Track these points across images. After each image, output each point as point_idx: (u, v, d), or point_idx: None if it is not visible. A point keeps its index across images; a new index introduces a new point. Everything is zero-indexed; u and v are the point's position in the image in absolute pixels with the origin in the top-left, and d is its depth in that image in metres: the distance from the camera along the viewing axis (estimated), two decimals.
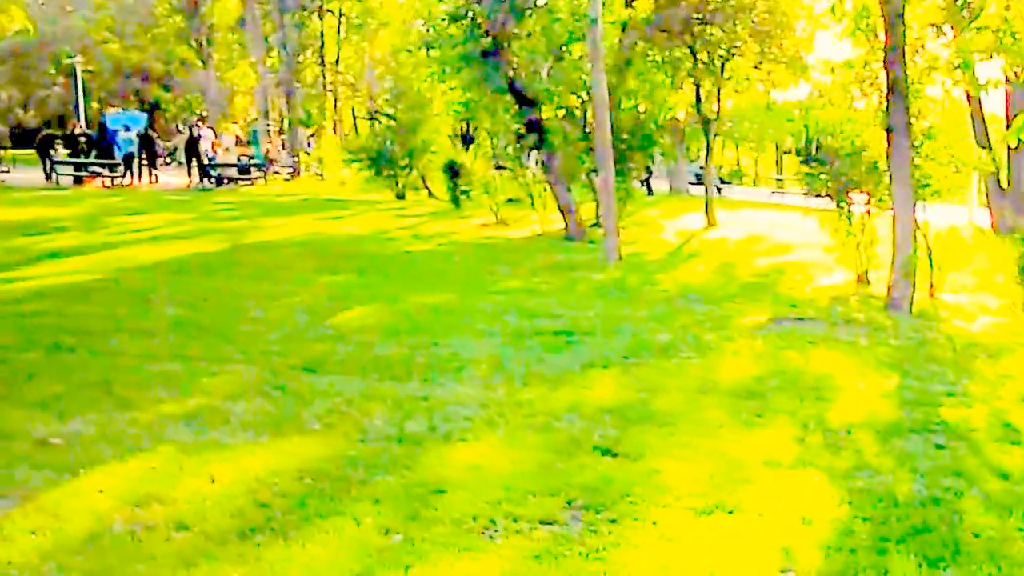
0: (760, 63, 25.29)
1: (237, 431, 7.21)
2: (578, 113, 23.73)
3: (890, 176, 13.29)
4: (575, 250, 20.69)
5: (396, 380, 8.84)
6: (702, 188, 41.20)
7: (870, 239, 16.21)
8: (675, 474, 6.41)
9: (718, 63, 24.65)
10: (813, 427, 7.58)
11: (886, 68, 13.08)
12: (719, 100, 25.38)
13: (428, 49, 21.79)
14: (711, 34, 24.03)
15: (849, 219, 16.35)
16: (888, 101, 13.08)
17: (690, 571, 5.10)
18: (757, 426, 7.65)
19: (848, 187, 15.62)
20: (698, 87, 25.34)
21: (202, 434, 7.12)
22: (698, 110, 25.51)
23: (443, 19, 21.49)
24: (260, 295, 13.43)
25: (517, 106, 22.40)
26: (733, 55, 25.26)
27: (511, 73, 21.46)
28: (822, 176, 16.37)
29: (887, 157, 13.29)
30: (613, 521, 5.66)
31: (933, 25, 12.95)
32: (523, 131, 22.67)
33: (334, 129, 55.24)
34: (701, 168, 42.52)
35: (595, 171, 23.10)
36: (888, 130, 13.14)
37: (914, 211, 13.24)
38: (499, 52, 21.25)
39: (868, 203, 16.29)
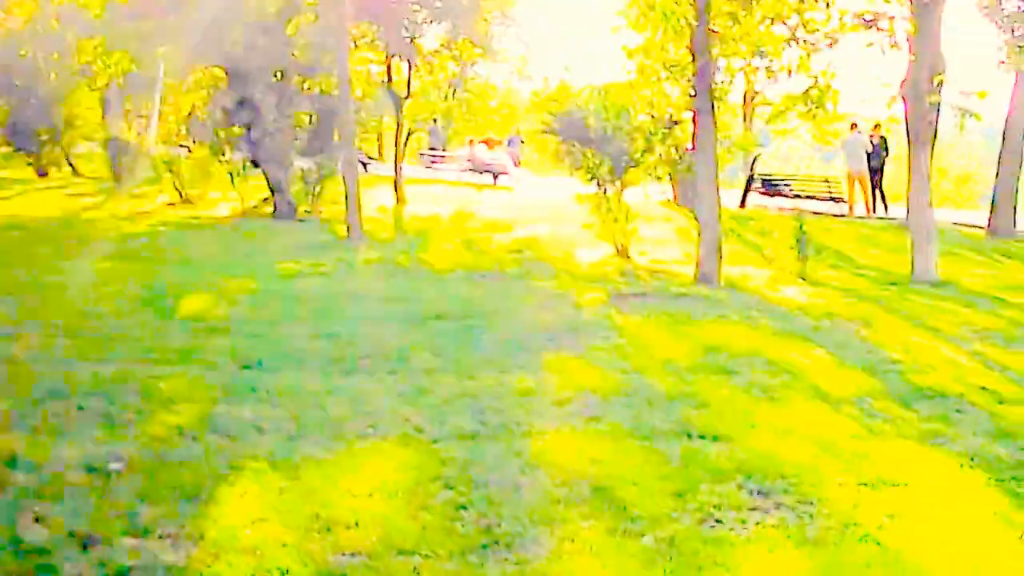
0: (451, 42, 25.45)
1: (299, 441, 6.53)
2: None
3: (694, 156, 13.94)
4: (299, 230, 20.09)
5: (356, 373, 8.40)
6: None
7: (626, 216, 16.91)
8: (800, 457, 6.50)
9: (410, 40, 24.54)
10: (869, 404, 7.78)
11: (693, 54, 13.70)
12: (410, 78, 25.29)
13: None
14: (406, 12, 23.87)
15: (607, 197, 16.97)
16: (695, 85, 13.72)
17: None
18: (779, 403, 7.83)
19: (625, 167, 16.18)
20: (389, 65, 25.11)
21: (257, 447, 6.37)
22: (388, 88, 25.28)
23: None
24: (61, 287, 12.18)
25: (228, 82, 21.32)
26: (423, 34, 25.29)
27: (228, 48, 20.29)
28: (586, 155, 16.83)
29: (693, 138, 13.93)
30: (809, 504, 5.67)
31: (729, 14, 13.63)
32: (232, 109, 21.57)
33: None
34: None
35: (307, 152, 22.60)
36: (694, 112, 13.82)
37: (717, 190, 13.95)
38: (214, 25, 20.03)
39: (621, 182, 16.97)
